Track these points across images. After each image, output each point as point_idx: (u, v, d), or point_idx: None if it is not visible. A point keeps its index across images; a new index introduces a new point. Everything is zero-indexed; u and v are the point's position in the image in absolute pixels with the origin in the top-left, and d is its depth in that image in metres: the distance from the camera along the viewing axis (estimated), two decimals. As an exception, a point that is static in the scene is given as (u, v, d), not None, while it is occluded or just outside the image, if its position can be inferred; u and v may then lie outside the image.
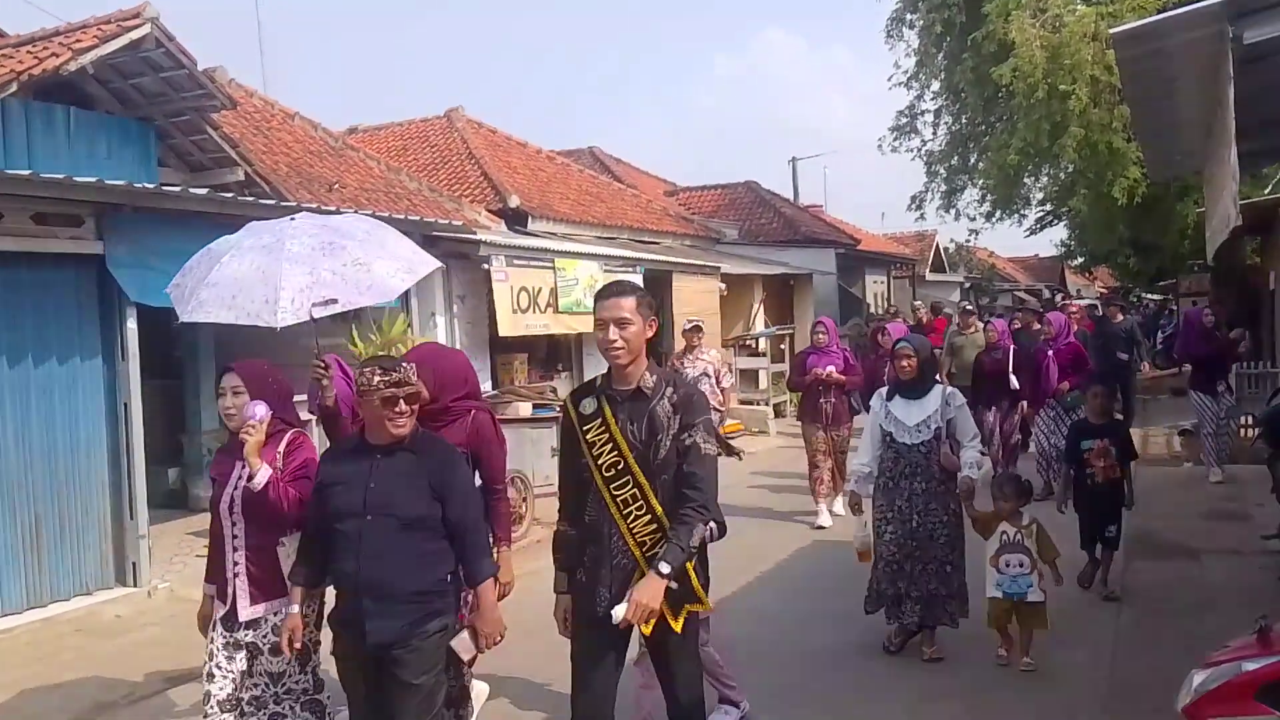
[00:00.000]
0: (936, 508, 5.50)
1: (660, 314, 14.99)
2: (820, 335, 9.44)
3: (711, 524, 3.90)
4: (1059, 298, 31.07)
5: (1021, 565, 5.39)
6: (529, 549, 8.68)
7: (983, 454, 6.05)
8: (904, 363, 5.59)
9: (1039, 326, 10.73)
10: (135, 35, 9.15)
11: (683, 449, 3.41)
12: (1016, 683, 5.23)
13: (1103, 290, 36.30)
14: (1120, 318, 13.57)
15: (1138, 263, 28.84)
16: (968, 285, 35.30)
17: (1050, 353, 9.76)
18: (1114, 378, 12.21)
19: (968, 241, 31.09)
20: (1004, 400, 10.24)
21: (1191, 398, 11.09)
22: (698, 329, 9.98)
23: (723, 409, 9.78)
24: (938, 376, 6.78)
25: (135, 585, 7.42)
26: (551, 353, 14.00)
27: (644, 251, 15.58)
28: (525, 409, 10.26)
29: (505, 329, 11.50)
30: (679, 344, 14.43)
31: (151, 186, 7.85)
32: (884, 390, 5.83)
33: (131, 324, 7.44)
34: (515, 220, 14.44)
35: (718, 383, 9.67)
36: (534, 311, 11.90)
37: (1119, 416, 9.09)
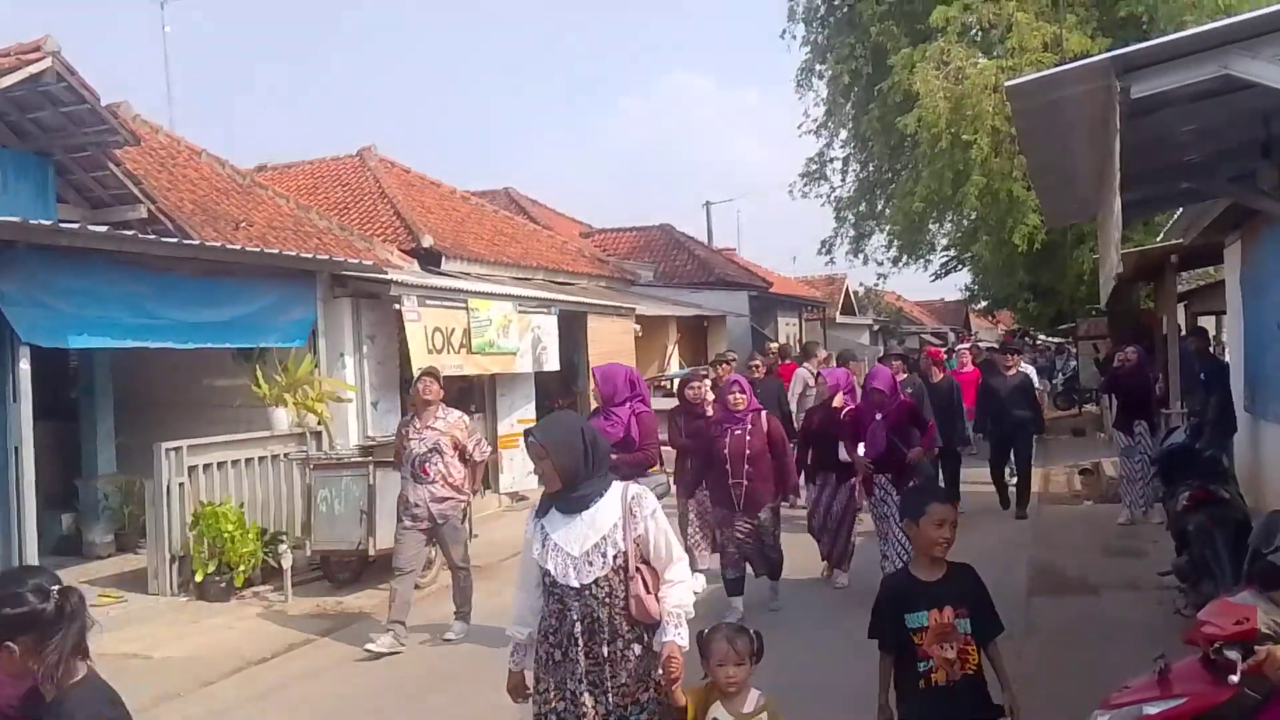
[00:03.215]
0: (628, 683, 3.44)
1: (575, 354, 15.08)
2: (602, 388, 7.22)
3: None
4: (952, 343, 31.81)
5: None
6: (438, 594, 8.54)
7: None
8: (538, 467, 3.54)
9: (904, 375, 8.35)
10: (35, 69, 8.91)
11: None
12: None
13: (1005, 332, 37.32)
14: (1013, 371, 11.57)
15: (1037, 306, 29.75)
16: (876, 328, 36.05)
17: (879, 416, 7.70)
18: (1008, 444, 11.27)
19: (876, 285, 31.91)
20: (832, 472, 8.23)
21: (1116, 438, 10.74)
22: (431, 375, 7.55)
23: (466, 494, 7.48)
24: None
25: (23, 637, 7.08)
26: (464, 394, 13.86)
27: (559, 292, 15.60)
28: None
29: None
30: (590, 386, 14.53)
31: (47, 223, 7.62)
32: (539, 504, 3.65)
33: (24, 365, 7.20)
34: (429, 260, 14.33)
35: (460, 458, 7.32)
36: (448, 352, 11.77)
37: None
